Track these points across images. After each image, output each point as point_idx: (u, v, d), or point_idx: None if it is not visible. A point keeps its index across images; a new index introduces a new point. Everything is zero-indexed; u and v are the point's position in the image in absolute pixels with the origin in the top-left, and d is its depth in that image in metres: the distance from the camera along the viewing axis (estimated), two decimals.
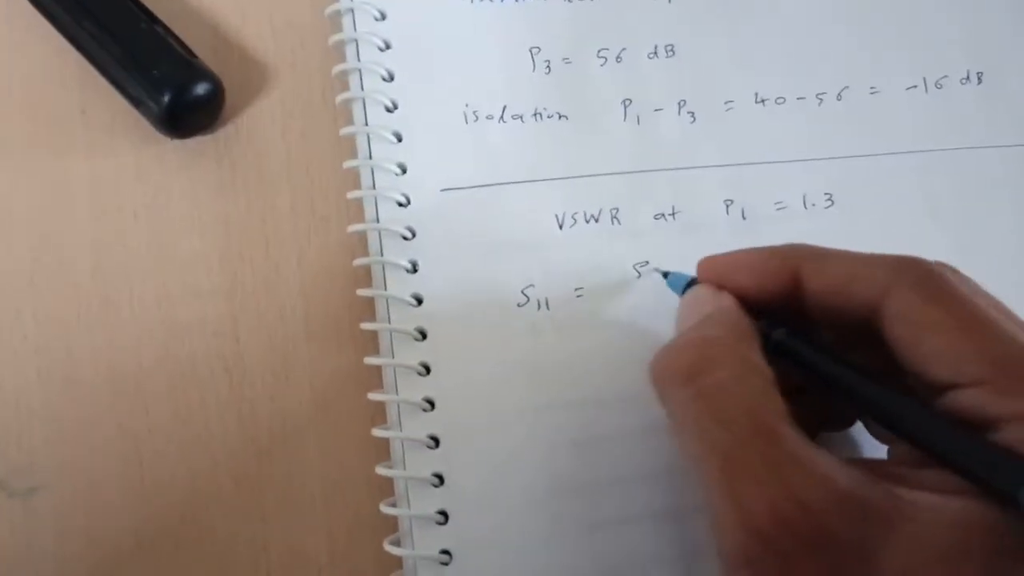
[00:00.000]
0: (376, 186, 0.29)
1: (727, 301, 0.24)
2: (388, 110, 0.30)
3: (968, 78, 0.32)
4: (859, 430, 0.26)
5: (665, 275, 0.28)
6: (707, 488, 0.20)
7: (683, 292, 0.26)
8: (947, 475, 0.20)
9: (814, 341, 0.23)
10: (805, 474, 0.19)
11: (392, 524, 0.28)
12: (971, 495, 0.19)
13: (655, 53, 0.31)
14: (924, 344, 0.21)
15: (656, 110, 0.31)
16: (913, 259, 0.22)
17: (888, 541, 0.19)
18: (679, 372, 0.22)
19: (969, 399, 0.20)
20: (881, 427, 0.23)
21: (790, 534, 0.19)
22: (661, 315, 0.28)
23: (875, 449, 0.25)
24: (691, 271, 0.26)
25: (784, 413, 0.20)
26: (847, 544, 0.19)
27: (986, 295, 0.22)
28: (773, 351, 0.23)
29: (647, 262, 0.29)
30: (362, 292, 0.29)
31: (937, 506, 0.19)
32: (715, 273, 0.25)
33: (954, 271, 0.23)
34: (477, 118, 0.30)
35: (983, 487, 0.19)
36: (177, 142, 0.31)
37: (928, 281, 0.22)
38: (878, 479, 0.19)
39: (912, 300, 0.21)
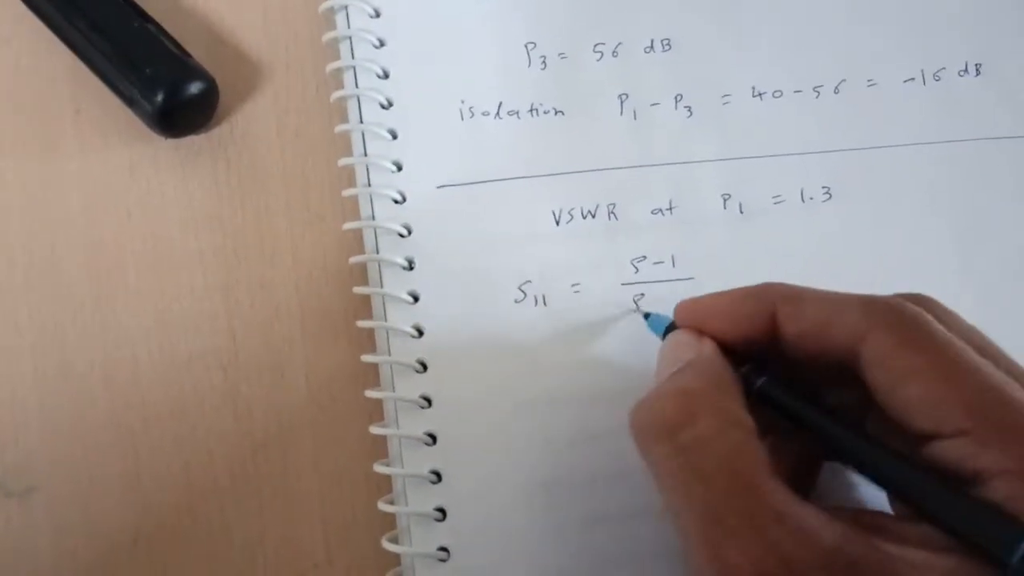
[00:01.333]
0: (371, 183, 0.29)
1: (708, 348, 0.23)
2: (383, 107, 0.30)
3: (966, 70, 0.32)
4: None
5: (646, 316, 0.27)
6: (687, 543, 0.20)
7: (664, 335, 0.25)
8: (936, 531, 0.19)
9: (798, 387, 0.23)
10: (788, 530, 0.19)
11: (390, 521, 0.28)
12: (959, 553, 0.19)
13: (651, 47, 0.31)
14: (902, 392, 0.20)
15: (653, 104, 0.31)
16: (887, 300, 0.21)
17: None
18: (659, 426, 0.21)
19: (951, 450, 0.19)
20: (865, 480, 0.22)
21: None
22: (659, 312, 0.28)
23: None
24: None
25: (767, 466, 0.20)
26: None
27: (968, 330, 0.22)
28: (756, 399, 0.22)
29: (644, 257, 0.29)
30: (358, 290, 0.29)
31: (924, 564, 0.18)
32: (693, 319, 0.24)
33: (932, 305, 0.22)
34: (473, 114, 0.30)
35: (968, 546, 0.19)
36: (171, 141, 0.31)
37: (904, 324, 0.21)
38: (865, 534, 0.19)
39: (888, 346, 0.20)
